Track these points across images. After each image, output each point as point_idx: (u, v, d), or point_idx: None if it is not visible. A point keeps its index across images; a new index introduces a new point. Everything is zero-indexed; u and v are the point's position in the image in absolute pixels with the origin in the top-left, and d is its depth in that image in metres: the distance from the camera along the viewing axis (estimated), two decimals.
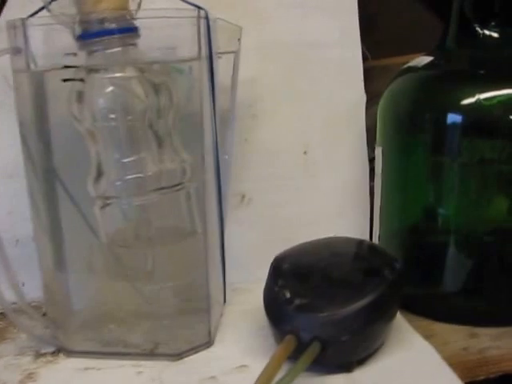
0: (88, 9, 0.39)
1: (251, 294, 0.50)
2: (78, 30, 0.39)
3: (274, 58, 0.56)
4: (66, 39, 0.40)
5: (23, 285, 0.49)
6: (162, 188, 0.41)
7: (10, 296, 0.42)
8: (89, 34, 0.39)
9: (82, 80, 0.39)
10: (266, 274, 0.44)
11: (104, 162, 0.41)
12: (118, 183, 0.40)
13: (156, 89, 0.40)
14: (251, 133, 0.56)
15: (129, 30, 0.40)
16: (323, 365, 0.39)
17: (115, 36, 0.39)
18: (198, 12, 0.40)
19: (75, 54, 0.40)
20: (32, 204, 0.43)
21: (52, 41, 0.40)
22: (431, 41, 0.51)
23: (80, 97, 0.40)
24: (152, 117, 0.40)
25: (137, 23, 0.40)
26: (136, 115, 0.40)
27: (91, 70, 0.40)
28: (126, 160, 0.40)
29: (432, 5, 0.69)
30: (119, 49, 0.39)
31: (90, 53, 0.40)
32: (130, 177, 0.40)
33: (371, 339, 0.40)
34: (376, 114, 0.52)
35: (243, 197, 0.56)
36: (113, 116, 0.40)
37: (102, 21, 0.39)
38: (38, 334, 0.45)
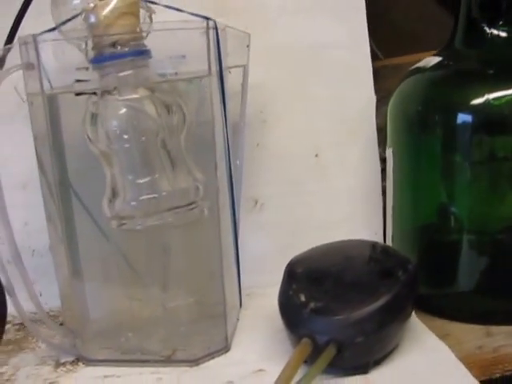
0: (100, 32, 0.39)
1: (266, 298, 0.50)
2: (91, 53, 0.40)
3: (282, 62, 0.56)
4: (77, 53, 0.40)
5: (40, 294, 0.49)
6: (176, 207, 0.41)
7: (28, 306, 0.42)
8: (101, 58, 0.40)
9: (94, 93, 0.40)
10: (280, 278, 0.44)
11: (119, 182, 0.41)
12: (133, 203, 0.41)
13: (168, 108, 0.41)
14: (262, 138, 0.56)
15: (140, 53, 0.40)
16: (340, 367, 0.39)
17: (127, 59, 0.40)
18: (207, 23, 0.40)
19: (87, 69, 0.40)
20: (47, 215, 0.44)
21: (63, 55, 0.41)
22: (444, 36, 0.50)
23: (93, 119, 0.40)
24: (165, 136, 0.41)
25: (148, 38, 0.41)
26: (149, 135, 0.40)
27: (104, 92, 0.40)
28: (140, 181, 0.41)
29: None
30: (131, 71, 0.40)
31: (103, 75, 0.40)
32: (144, 197, 0.41)
33: (386, 340, 0.40)
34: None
35: (256, 202, 0.56)
36: (126, 137, 0.40)
37: (114, 44, 0.39)
38: (56, 344, 0.45)
